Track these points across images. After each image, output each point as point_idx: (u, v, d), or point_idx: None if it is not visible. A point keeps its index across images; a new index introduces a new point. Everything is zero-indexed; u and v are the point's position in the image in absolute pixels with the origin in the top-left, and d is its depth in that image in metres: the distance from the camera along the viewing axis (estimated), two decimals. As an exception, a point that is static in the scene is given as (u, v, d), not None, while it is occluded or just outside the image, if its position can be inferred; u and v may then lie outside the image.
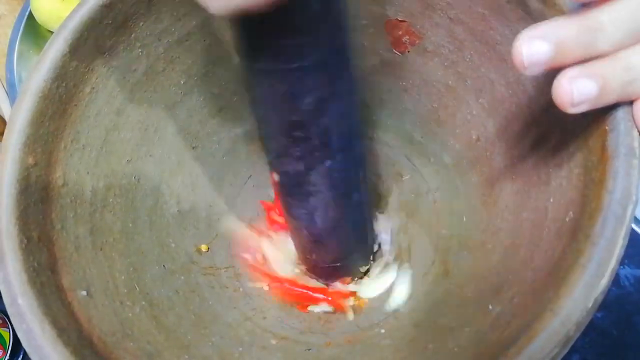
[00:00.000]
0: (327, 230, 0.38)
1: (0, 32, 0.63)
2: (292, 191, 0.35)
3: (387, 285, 0.42)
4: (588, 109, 0.24)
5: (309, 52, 0.26)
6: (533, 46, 0.23)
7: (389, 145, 0.46)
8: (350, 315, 0.42)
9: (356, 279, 0.44)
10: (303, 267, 0.45)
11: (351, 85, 0.31)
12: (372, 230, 0.44)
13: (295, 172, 0.33)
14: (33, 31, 0.59)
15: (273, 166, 0.34)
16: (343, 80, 0.30)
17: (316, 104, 0.29)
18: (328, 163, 0.32)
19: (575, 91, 0.23)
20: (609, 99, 0.24)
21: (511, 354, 0.23)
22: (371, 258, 0.45)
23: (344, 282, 0.44)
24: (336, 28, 0.28)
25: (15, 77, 0.58)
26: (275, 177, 0.35)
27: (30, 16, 0.58)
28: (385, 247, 0.46)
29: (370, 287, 0.43)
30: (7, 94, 0.59)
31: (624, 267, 0.51)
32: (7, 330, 0.54)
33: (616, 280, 0.50)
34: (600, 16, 0.23)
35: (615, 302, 0.50)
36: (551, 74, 0.30)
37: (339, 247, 0.41)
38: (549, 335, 0.22)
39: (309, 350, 0.38)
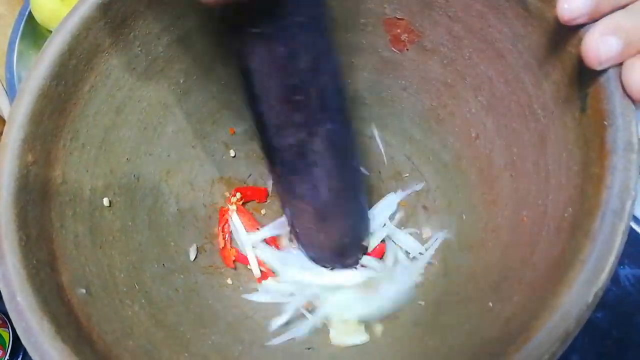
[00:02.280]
0: (332, 202, 0.37)
1: (0, 32, 0.63)
2: (295, 166, 0.35)
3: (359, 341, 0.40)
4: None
5: (303, 8, 0.28)
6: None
7: (389, 144, 0.46)
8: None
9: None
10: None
11: (334, 46, 0.32)
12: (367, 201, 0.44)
13: (298, 142, 0.33)
14: (32, 31, 0.59)
15: (273, 143, 0.34)
16: (331, 38, 0.31)
17: (313, 62, 0.30)
18: (329, 125, 0.32)
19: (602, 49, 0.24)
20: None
21: (512, 350, 0.23)
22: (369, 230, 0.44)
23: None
24: None
25: (15, 77, 0.58)
26: (276, 156, 0.34)
27: (30, 16, 0.58)
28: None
29: (342, 338, 0.40)
30: (6, 93, 0.58)
31: (624, 267, 0.51)
32: (7, 330, 0.54)
33: (616, 280, 0.50)
34: None
35: (615, 302, 0.50)
36: (548, 70, 0.30)
37: (345, 218, 0.40)
38: (549, 331, 0.22)
39: (308, 349, 0.38)
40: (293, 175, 0.36)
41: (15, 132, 0.30)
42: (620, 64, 0.25)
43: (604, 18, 0.25)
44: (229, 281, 0.42)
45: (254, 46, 0.29)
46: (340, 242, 0.41)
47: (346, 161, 0.36)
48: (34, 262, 0.28)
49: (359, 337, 0.39)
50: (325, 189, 0.36)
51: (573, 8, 0.25)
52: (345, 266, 0.43)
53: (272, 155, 0.35)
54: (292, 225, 0.42)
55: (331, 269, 0.43)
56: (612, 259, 0.23)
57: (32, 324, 0.26)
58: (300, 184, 0.36)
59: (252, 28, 0.28)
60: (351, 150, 0.37)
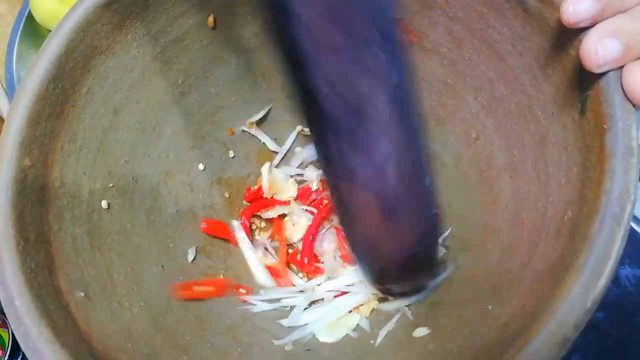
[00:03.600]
0: (404, 189, 0.27)
1: (0, 32, 0.63)
2: (353, 135, 0.25)
3: (349, 330, 0.39)
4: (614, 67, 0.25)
5: None
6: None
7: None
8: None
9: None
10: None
11: None
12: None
13: (357, 97, 0.24)
14: (32, 31, 0.59)
15: (322, 103, 0.24)
16: None
17: None
18: (396, 75, 0.25)
19: (600, 51, 0.24)
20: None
21: (509, 356, 0.23)
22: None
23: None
24: None
25: (15, 77, 0.58)
26: (326, 123, 0.25)
27: (30, 16, 0.58)
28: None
29: (332, 332, 0.40)
30: (6, 93, 0.58)
31: (624, 267, 0.51)
32: (6, 330, 0.54)
33: (616, 280, 0.50)
34: None
35: (616, 302, 0.49)
36: (548, 71, 0.30)
37: (420, 213, 0.29)
38: (546, 337, 0.22)
39: (308, 350, 0.38)
40: (349, 150, 0.26)
41: (12, 136, 0.29)
42: (621, 68, 0.25)
43: (604, 21, 0.25)
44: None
45: None
46: (412, 249, 0.30)
47: (418, 131, 0.27)
48: (32, 266, 0.28)
49: (346, 329, 0.40)
50: (395, 168, 0.26)
51: (578, 11, 0.24)
52: (414, 288, 0.36)
53: (321, 124, 0.26)
54: (346, 231, 0.32)
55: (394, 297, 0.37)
56: (610, 263, 0.22)
57: (30, 328, 0.26)
58: (360, 163, 0.26)
59: None
60: (421, 117, 0.27)
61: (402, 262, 0.31)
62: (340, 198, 0.29)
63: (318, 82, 0.24)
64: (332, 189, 0.29)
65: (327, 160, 0.28)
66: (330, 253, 0.44)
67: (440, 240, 0.35)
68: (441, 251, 0.36)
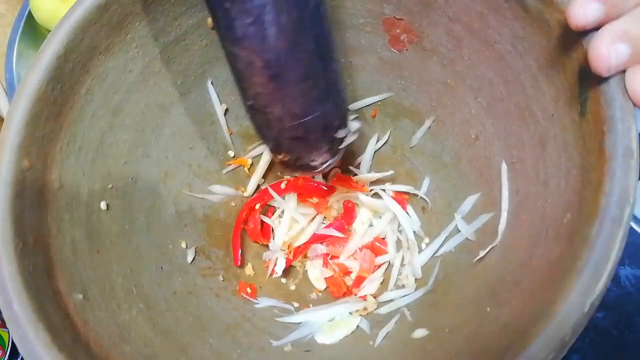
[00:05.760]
0: (286, 50, 0.27)
1: (0, 32, 0.63)
2: None
3: (349, 332, 0.40)
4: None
5: None
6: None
7: (388, 144, 0.46)
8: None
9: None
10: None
11: None
12: (343, 83, 0.33)
13: None
14: (32, 31, 0.59)
15: None
16: None
17: None
18: None
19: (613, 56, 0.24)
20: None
21: (508, 358, 0.23)
22: (348, 121, 0.35)
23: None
24: None
25: (15, 77, 0.57)
26: None
27: (30, 16, 0.58)
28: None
29: (331, 333, 0.40)
30: (6, 93, 0.58)
31: (624, 267, 0.51)
32: (7, 330, 0.54)
33: (616, 280, 0.50)
34: None
35: (616, 302, 0.49)
36: (548, 72, 0.30)
37: (309, 80, 0.29)
38: (544, 340, 0.22)
39: (307, 351, 0.38)
40: (233, 9, 0.26)
41: (11, 137, 0.29)
42: (623, 71, 0.25)
43: (611, 24, 0.24)
44: (221, 279, 0.42)
45: None
46: (303, 118, 0.30)
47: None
48: (31, 268, 0.28)
49: (346, 330, 0.40)
50: (274, 25, 0.26)
51: (587, 14, 0.24)
52: (312, 165, 0.35)
53: None
54: (244, 98, 0.32)
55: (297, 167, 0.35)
56: (609, 266, 0.22)
57: (27, 332, 0.26)
58: (241, 16, 0.26)
59: None
60: None
61: (294, 130, 0.31)
62: (233, 63, 0.29)
63: None
64: (227, 56, 0.29)
65: (218, 24, 0.28)
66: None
67: (344, 117, 0.33)
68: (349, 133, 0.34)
